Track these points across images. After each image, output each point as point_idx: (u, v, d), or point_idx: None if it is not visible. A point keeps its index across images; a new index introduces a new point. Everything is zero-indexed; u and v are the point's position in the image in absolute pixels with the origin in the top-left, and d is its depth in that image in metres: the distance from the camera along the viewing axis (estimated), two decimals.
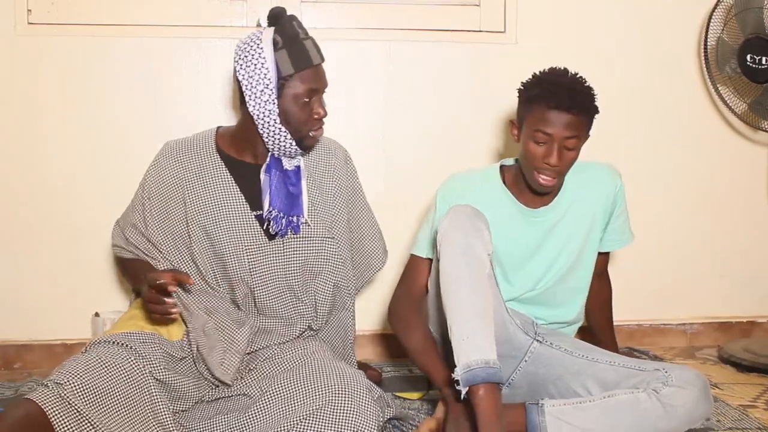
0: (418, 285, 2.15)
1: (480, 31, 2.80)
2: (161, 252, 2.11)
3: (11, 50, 2.59)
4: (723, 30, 2.69)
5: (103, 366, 1.77)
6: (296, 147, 2.08)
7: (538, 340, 2.08)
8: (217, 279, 2.11)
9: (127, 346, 1.86)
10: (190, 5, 2.68)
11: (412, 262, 2.19)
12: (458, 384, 1.71)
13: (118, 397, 1.76)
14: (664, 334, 2.99)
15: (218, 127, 2.23)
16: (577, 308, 2.24)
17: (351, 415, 1.78)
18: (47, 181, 2.64)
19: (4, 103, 2.61)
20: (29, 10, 2.59)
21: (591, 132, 2.06)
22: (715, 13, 2.70)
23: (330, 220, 2.19)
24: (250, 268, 2.08)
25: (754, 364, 2.64)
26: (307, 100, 2.03)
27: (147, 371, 1.82)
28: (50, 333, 2.67)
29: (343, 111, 2.75)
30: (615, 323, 2.43)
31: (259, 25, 2.69)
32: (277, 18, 2.05)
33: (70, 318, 2.66)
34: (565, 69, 2.05)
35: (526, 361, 2.07)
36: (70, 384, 1.70)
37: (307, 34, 2.07)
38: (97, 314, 2.55)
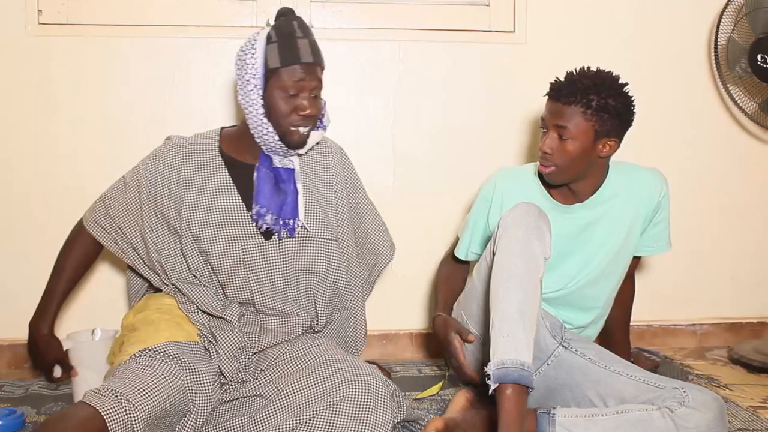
0: (453, 290, 2.30)
1: (489, 31, 2.80)
2: (146, 243, 2.11)
3: (22, 50, 2.60)
4: (733, 30, 2.68)
5: (169, 388, 1.82)
6: (280, 142, 2.05)
7: (563, 345, 2.08)
8: (208, 278, 2.12)
9: (186, 363, 1.91)
10: (199, 6, 2.68)
11: (448, 265, 2.37)
12: (489, 378, 1.70)
13: (167, 419, 1.81)
14: (674, 334, 2.98)
15: (222, 128, 2.22)
16: (602, 314, 2.25)
17: (368, 409, 1.81)
18: (57, 180, 2.65)
19: (15, 102, 2.62)
20: (40, 11, 2.60)
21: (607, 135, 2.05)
22: (725, 13, 2.69)
23: (332, 220, 2.18)
24: (245, 268, 2.07)
25: (764, 365, 2.63)
26: (293, 93, 2.00)
27: (198, 396, 1.88)
28: (61, 333, 2.67)
29: (353, 110, 2.77)
30: (629, 326, 2.43)
31: (268, 25, 2.69)
32: (281, 16, 2.07)
33: (80, 318, 2.66)
34: (590, 67, 2.07)
35: (548, 364, 2.07)
36: (140, 407, 1.72)
37: (307, 34, 2.03)
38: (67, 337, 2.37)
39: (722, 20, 2.70)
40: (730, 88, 2.75)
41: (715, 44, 2.73)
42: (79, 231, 2.23)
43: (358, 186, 2.33)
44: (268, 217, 2.06)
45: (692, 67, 2.90)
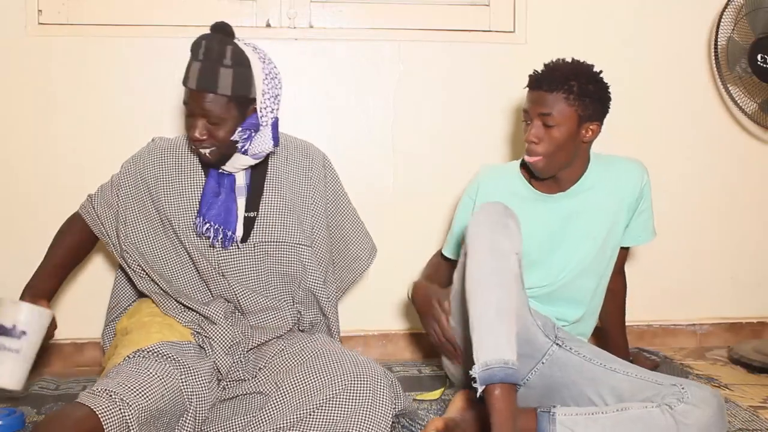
0: (437, 278, 2.29)
1: (489, 31, 2.80)
2: (122, 241, 2.12)
3: (22, 50, 2.60)
4: (733, 30, 2.68)
5: (164, 387, 1.82)
6: None
7: (557, 344, 2.08)
8: (192, 276, 2.12)
9: (180, 361, 1.90)
10: (199, 6, 2.68)
11: (437, 257, 2.38)
12: (475, 382, 1.70)
13: (163, 419, 1.81)
14: (674, 334, 2.98)
15: None
16: (594, 308, 2.25)
17: (367, 399, 1.83)
18: (58, 180, 2.65)
19: (15, 102, 2.62)
20: (40, 11, 2.60)
21: (594, 121, 2.09)
22: (725, 13, 2.69)
23: (306, 226, 2.17)
24: (221, 267, 2.08)
25: (764, 364, 2.64)
26: (187, 113, 1.97)
27: (194, 394, 1.88)
28: (60, 333, 2.66)
29: (353, 110, 2.76)
30: (625, 324, 2.43)
31: (269, 26, 2.70)
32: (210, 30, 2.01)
33: (80, 318, 2.66)
34: (565, 58, 2.13)
35: (543, 363, 2.07)
36: (135, 405, 1.72)
37: (209, 57, 1.92)
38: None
39: (722, 20, 2.70)
40: (730, 88, 2.75)
41: (715, 44, 2.73)
42: (72, 218, 2.26)
43: (339, 192, 2.32)
44: (198, 220, 2.05)
45: (692, 67, 2.90)
